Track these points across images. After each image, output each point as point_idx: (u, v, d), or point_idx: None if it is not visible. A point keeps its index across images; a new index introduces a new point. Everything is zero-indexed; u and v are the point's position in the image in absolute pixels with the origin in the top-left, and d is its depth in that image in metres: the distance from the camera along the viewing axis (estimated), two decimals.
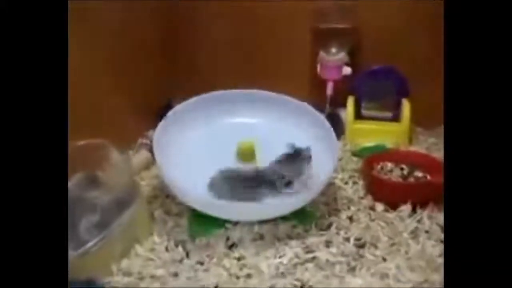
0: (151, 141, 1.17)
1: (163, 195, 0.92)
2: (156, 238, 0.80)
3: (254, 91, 0.99)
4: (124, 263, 0.74)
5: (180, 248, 0.77)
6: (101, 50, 0.99)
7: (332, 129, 0.92)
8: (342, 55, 1.16)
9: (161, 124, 0.90)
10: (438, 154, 1.07)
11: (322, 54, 1.17)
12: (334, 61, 1.16)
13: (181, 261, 0.75)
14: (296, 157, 0.85)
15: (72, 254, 0.67)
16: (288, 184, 0.83)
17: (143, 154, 1.08)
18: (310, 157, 0.85)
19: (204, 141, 0.93)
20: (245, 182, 0.83)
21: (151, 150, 1.08)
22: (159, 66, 1.31)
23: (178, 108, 0.95)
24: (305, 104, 0.98)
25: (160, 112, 1.24)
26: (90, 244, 0.69)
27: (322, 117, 0.96)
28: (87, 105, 0.94)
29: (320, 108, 1.06)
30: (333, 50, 1.16)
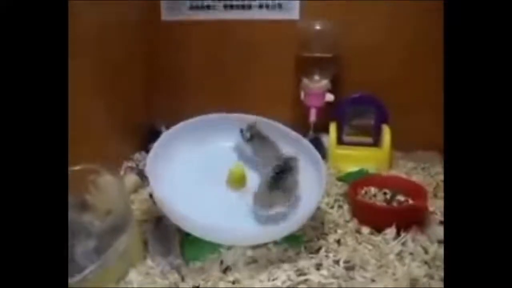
0: (137, 164, 1.19)
1: (154, 218, 0.92)
2: (150, 263, 0.81)
3: (242, 116, 1.02)
4: None
5: (175, 273, 0.78)
6: (82, 73, 0.98)
7: (319, 155, 0.95)
8: (325, 83, 1.20)
9: (153, 149, 0.91)
10: (417, 178, 1.13)
11: (305, 81, 1.21)
12: (317, 88, 1.20)
13: (176, 285, 0.76)
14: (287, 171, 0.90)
15: (69, 280, 0.67)
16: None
17: (131, 178, 1.09)
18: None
19: (195, 165, 0.95)
20: (279, 180, 0.88)
21: (138, 173, 1.10)
22: (142, 88, 1.33)
23: (169, 132, 0.97)
24: (291, 130, 1.02)
25: (147, 136, 1.26)
26: (87, 271, 0.69)
27: (308, 143, 0.99)
28: (69, 129, 0.94)
29: (303, 133, 1.09)
30: (316, 77, 1.21)
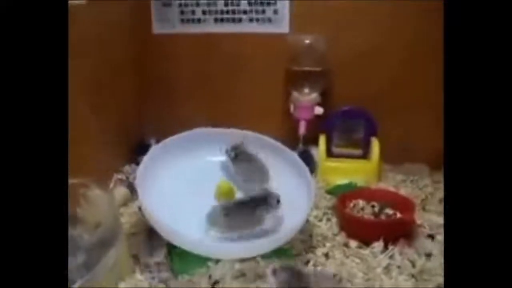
0: (127, 177, 1.19)
1: (144, 232, 0.93)
2: (138, 276, 0.81)
3: (232, 130, 1.03)
4: None
5: (163, 286, 0.78)
6: (70, 85, 0.98)
7: (307, 168, 0.96)
8: (314, 96, 1.22)
9: (143, 162, 0.91)
10: (406, 190, 1.14)
11: (295, 94, 1.22)
12: (307, 102, 1.22)
13: None
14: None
15: None
16: (278, 201, 0.87)
17: (121, 190, 1.09)
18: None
19: (185, 180, 0.96)
20: (242, 208, 0.87)
21: (128, 186, 1.10)
22: (132, 100, 1.33)
23: (159, 146, 0.97)
24: (279, 143, 1.03)
25: (136, 149, 1.27)
26: (76, 285, 0.69)
27: (296, 156, 1.00)
28: None
29: (292, 146, 1.10)
30: (306, 90, 1.22)
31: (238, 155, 0.98)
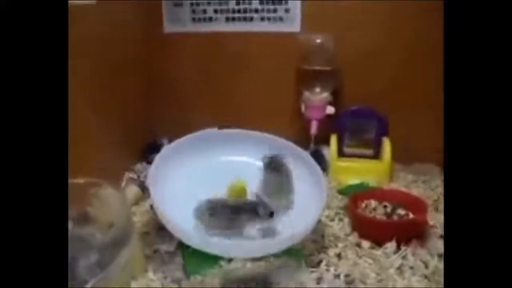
0: (138, 176, 1.20)
1: (155, 231, 0.93)
2: (151, 275, 0.81)
3: (243, 130, 1.03)
4: None
5: (175, 286, 0.78)
6: (81, 85, 0.97)
7: (319, 168, 0.96)
8: (326, 95, 1.21)
9: (155, 161, 0.91)
10: (418, 191, 1.13)
11: (306, 94, 1.22)
12: (318, 101, 1.21)
13: None
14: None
15: None
16: (271, 214, 0.85)
17: (132, 189, 1.09)
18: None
19: (196, 180, 0.96)
20: (226, 210, 0.86)
21: (140, 185, 1.10)
22: (142, 98, 1.33)
23: (171, 145, 0.97)
24: (291, 143, 1.02)
25: (147, 149, 1.27)
26: (89, 284, 0.70)
27: (308, 156, 1.00)
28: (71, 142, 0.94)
29: (304, 146, 1.10)
30: (317, 90, 1.22)
31: (269, 165, 0.97)
